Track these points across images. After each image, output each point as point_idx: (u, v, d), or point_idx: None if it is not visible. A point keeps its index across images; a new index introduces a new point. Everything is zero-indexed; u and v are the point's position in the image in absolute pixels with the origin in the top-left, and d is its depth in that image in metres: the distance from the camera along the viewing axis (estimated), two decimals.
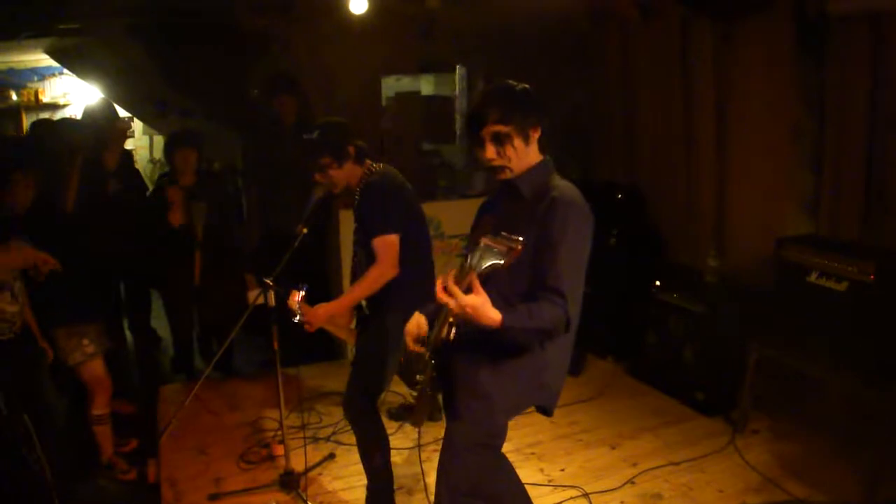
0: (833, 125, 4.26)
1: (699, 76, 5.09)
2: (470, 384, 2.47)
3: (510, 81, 2.48)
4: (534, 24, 5.38)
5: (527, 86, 2.48)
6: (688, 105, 5.23)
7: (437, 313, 2.41)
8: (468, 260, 2.09)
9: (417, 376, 2.48)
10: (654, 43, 5.48)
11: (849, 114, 4.13)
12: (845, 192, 4.21)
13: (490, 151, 2.42)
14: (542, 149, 2.51)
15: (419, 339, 2.55)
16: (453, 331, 2.31)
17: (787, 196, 4.51)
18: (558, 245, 2.27)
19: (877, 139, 4.00)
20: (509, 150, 2.41)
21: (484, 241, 2.02)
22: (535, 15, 5.20)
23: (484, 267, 2.00)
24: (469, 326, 2.23)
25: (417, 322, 2.60)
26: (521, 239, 1.97)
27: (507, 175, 2.46)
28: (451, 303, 2.07)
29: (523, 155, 2.43)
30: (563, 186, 2.42)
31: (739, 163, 4.89)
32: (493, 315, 2.11)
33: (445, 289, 2.10)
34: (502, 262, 1.99)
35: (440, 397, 2.65)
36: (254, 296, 3.48)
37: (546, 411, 2.59)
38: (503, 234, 2.00)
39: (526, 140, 2.42)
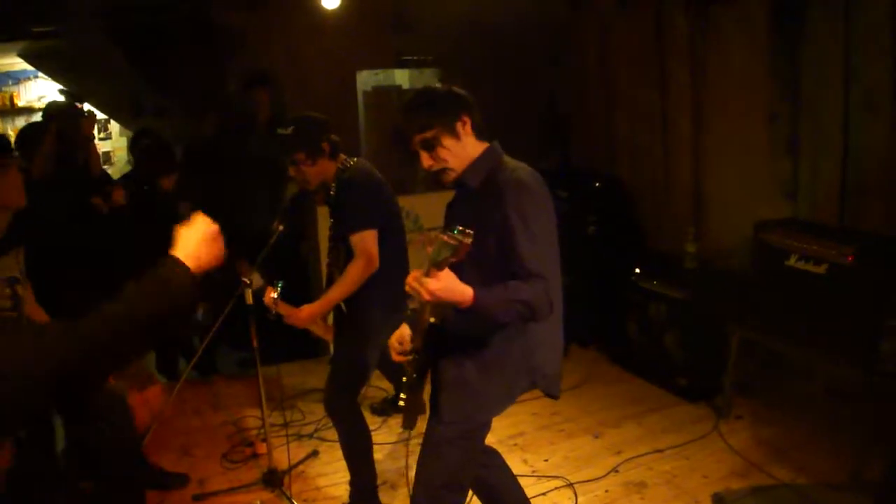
0: (809, 108, 4.28)
1: (676, 62, 5.11)
2: (456, 377, 2.44)
3: (427, 86, 2.47)
4: (511, 12, 5.37)
5: (447, 87, 2.48)
6: (665, 91, 5.25)
7: (418, 320, 2.41)
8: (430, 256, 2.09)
9: (403, 378, 2.47)
10: (631, 29, 5.49)
11: (825, 97, 4.15)
12: (823, 174, 4.23)
13: (426, 159, 2.42)
14: (483, 135, 2.47)
15: (402, 351, 2.51)
16: (432, 318, 2.30)
17: (765, 180, 4.52)
18: (518, 233, 2.23)
19: (853, 122, 4.02)
20: (442, 152, 2.39)
21: (440, 236, 2.03)
22: (512, 3, 5.19)
23: (440, 261, 2.01)
24: (453, 325, 2.20)
25: (400, 335, 2.57)
26: (470, 232, 1.97)
27: (452, 175, 2.45)
28: (422, 292, 2.07)
29: (459, 151, 2.41)
30: (512, 170, 2.38)
31: (717, 148, 4.90)
32: (463, 289, 2.10)
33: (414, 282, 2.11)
34: (453, 257, 1.99)
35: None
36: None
37: (550, 395, 2.55)
38: (459, 228, 2.00)
39: (456, 136, 2.39)
